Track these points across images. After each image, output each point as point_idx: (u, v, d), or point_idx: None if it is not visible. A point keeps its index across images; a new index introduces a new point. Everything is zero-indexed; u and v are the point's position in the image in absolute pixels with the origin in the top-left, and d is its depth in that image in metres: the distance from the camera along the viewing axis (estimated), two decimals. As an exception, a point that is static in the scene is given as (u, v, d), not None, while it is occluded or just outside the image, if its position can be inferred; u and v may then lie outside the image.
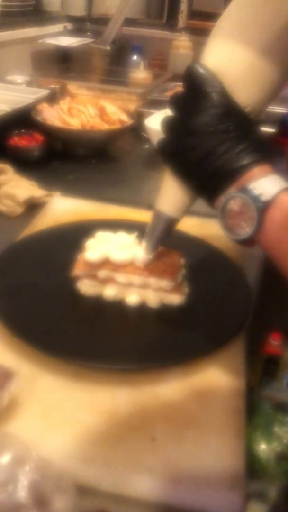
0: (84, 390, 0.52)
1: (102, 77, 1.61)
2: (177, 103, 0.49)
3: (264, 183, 0.44)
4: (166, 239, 0.59)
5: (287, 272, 0.44)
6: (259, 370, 1.19)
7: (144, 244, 0.60)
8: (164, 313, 0.63)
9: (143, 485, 0.43)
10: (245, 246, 0.48)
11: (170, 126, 0.50)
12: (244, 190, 0.45)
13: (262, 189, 0.44)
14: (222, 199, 0.47)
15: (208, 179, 0.48)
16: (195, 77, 0.47)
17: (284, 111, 1.28)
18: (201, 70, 0.47)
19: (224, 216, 0.47)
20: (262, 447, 0.91)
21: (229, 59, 0.47)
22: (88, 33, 1.92)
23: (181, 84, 0.50)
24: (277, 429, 0.94)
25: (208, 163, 0.46)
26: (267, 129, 1.17)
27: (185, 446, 0.47)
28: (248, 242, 0.47)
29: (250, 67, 0.47)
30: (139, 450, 0.46)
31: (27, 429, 0.47)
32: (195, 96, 0.47)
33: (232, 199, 0.46)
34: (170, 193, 0.54)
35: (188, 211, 0.55)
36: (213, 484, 0.44)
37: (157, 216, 0.56)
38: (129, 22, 1.84)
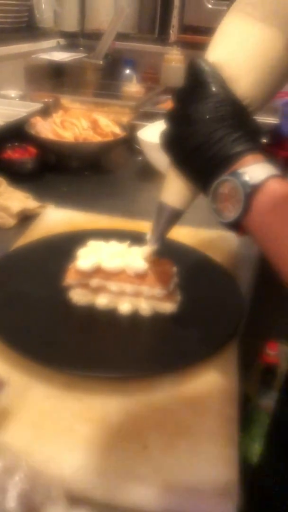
0: (76, 399, 0.51)
1: (95, 91, 1.62)
2: (178, 94, 0.51)
3: (254, 169, 0.45)
4: (170, 230, 0.59)
5: (271, 256, 0.45)
6: (256, 380, 1.19)
7: (148, 235, 0.60)
8: (157, 321, 0.62)
9: (135, 493, 0.43)
10: (234, 232, 0.48)
11: (171, 116, 0.51)
12: (234, 174, 0.46)
13: (251, 174, 0.45)
14: (214, 183, 0.48)
15: (203, 166, 0.49)
16: (196, 70, 0.49)
17: (276, 122, 1.29)
18: (202, 63, 0.49)
19: (215, 200, 0.48)
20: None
21: (230, 53, 0.49)
22: (81, 48, 1.94)
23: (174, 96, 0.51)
24: (274, 439, 0.93)
25: (203, 151, 0.47)
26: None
27: (178, 454, 0.46)
28: (236, 227, 0.47)
29: (250, 62, 0.49)
30: (131, 458, 0.45)
31: (18, 438, 0.46)
32: (194, 87, 0.49)
33: (222, 182, 0.47)
34: (173, 184, 0.55)
35: (192, 202, 0.56)
36: (206, 492, 0.43)
37: (161, 207, 0.57)
38: (122, 36, 1.86)
